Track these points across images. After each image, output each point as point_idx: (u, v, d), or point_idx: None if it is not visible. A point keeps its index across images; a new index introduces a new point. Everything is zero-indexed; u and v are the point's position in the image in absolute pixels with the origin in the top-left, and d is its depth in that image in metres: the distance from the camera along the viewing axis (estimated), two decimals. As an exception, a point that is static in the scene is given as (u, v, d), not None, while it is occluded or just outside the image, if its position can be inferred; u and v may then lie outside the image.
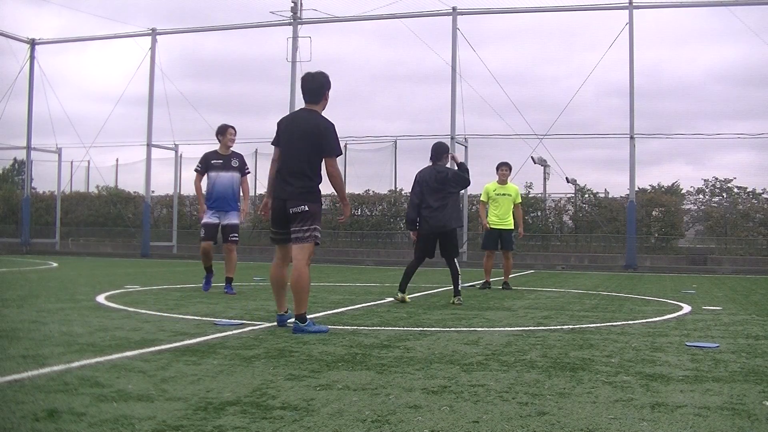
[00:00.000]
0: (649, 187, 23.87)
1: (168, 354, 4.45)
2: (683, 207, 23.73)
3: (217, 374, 3.86)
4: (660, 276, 16.15)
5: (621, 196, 22.58)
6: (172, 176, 25.39)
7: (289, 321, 5.74)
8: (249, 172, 9.67)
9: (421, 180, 8.49)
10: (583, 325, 6.33)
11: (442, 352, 4.74)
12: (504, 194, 11.07)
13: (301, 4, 22.05)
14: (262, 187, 22.94)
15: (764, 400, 3.46)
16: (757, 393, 3.63)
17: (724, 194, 23.84)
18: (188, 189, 25.52)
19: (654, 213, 22.68)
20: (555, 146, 27.14)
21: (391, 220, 24.48)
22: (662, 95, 29.03)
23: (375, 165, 25.62)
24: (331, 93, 5.96)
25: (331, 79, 5.94)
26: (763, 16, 26.29)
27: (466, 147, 21.51)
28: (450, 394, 3.49)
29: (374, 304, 8.04)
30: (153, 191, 25.47)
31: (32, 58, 25.19)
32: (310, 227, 5.64)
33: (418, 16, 21.51)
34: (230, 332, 5.44)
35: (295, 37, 21.92)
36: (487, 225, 11.11)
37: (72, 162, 27.91)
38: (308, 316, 5.63)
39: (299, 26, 22.01)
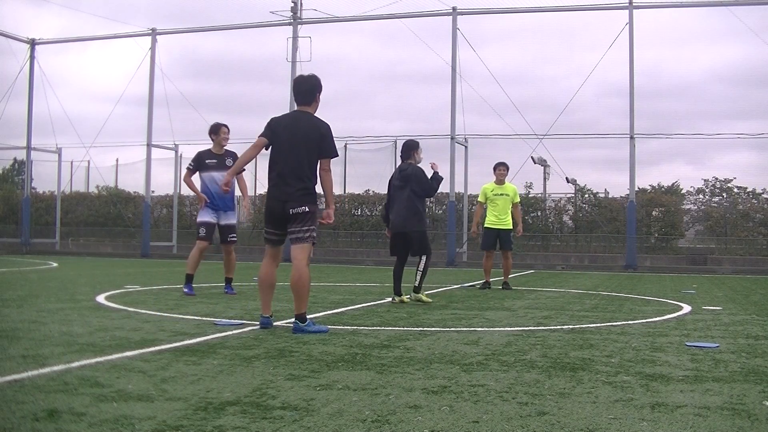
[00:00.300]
0: (649, 187, 23.90)
1: (168, 354, 4.45)
2: (683, 207, 23.74)
3: (217, 374, 3.85)
4: (660, 276, 16.15)
5: (621, 196, 22.58)
6: (172, 176, 25.46)
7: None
8: (244, 170, 9.59)
9: (391, 178, 8.77)
10: (583, 325, 6.33)
11: (442, 352, 4.74)
12: (502, 194, 11.08)
13: (301, 4, 22.04)
14: (263, 187, 22.99)
15: (764, 400, 3.46)
16: (757, 393, 3.63)
17: (724, 194, 23.85)
18: (188, 189, 25.44)
19: (654, 213, 22.70)
20: (555, 146, 27.17)
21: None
22: (662, 95, 29.12)
23: (375, 165, 25.68)
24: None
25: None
26: (763, 16, 26.38)
27: (466, 147, 21.51)
28: (450, 394, 3.49)
29: (374, 304, 8.04)
30: (153, 191, 25.49)
31: (32, 58, 25.18)
32: (309, 228, 5.69)
33: (418, 16, 21.49)
34: (230, 332, 5.44)
35: (295, 37, 21.91)
36: (476, 231, 11.32)
37: (72, 162, 27.98)
38: (308, 316, 5.64)
39: (299, 26, 21.99)
